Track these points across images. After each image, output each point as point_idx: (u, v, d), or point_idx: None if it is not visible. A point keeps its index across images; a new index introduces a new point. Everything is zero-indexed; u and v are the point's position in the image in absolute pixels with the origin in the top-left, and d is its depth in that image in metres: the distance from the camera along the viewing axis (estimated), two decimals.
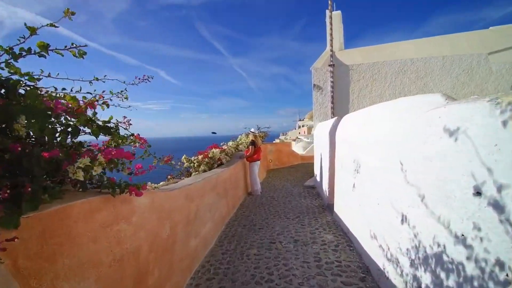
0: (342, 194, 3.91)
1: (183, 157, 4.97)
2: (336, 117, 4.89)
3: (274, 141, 22.19)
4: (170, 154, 5.01)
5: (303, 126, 54.26)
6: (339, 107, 7.33)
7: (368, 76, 7.19)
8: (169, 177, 4.81)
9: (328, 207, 4.88)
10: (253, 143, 6.27)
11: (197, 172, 4.79)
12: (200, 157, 4.87)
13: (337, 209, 4.23)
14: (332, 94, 7.34)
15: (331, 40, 7.30)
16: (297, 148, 16.71)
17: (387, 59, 7.07)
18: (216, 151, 5.05)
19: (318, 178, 6.40)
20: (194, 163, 4.79)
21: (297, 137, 30.56)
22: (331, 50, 7.32)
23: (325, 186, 5.17)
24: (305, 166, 11.61)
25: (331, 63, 7.32)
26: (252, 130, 6.56)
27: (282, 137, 41.71)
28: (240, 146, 7.73)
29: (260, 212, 4.96)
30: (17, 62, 1.21)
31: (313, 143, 17.16)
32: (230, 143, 7.68)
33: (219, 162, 5.33)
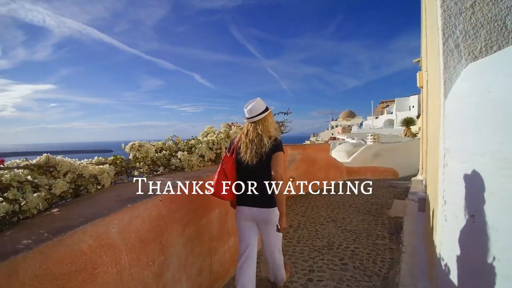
0: None
1: None
2: None
3: (304, 143, 16.24)
4: None
5: (336, 126, 47.59)
6: None
7: None
8: None
9: None
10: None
11: None
12: None
13: None
14: None
15: None
16: (337, 154, 10.81)
17: None
18: None
19: None
20: None
21: (331, 137, 24.19)
22: None
23: None
24: (361, 190, 5.81)
25: None
26: None
27: (313, 139, 35.27)
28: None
29: None
30: None
31: (364, 146, 10.58)
32: (203, 138, 2.29)
33: None
